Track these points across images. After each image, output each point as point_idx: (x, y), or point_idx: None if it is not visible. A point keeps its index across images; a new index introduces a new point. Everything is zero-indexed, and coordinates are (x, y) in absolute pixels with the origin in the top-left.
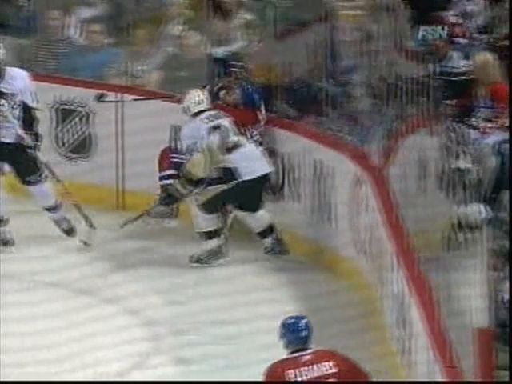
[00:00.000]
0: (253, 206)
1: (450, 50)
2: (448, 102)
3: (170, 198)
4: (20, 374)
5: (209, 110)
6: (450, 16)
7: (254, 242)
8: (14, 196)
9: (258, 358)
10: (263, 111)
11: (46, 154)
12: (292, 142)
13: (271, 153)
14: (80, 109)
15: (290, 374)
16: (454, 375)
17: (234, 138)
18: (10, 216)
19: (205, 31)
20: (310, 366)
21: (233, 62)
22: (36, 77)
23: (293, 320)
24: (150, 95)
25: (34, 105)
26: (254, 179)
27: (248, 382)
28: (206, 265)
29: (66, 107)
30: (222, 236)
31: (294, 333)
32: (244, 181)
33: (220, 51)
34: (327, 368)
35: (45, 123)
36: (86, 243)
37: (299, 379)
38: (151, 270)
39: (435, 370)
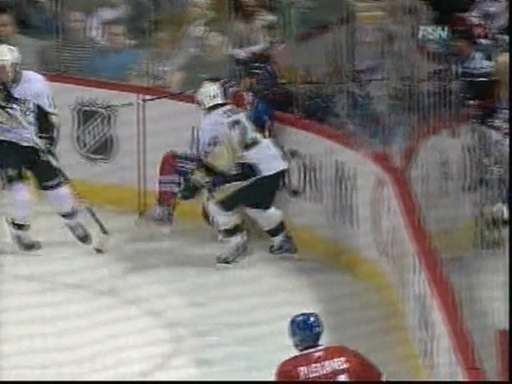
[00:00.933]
0: (266, 204)
1: (473, 51)
2: (470, 103)
3: (188, 191)
4: (42, 374)
5: (224, 104)
6: (472, 17)
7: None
8: (37, 197)
9: (280, 359)
10: (265, 132)
11: (67, 155)
12: (313, 144)
13: (293, 154)
14: (101, 110)
15: (302, 371)
16: (476, 377)
17: (252, 135)
18: (33, 218)
19: (226, 32)
20: (322, 363)
21: (254, 64)
22: (58, 78)
23: (304, 317)
24: (172, 96)
25: (50, 109)
26: (272, 176)
27: (257, 382)
28: (234, 263)
29: (88, 108)
30: (244, 232)
31: (307, 330)
32: (263, 177)
33: (242, 52)
34: (338, 364)
35: (66, 125)
36: (99, 251)
37: (311, 376)
38: (172, 272)
39: (457, 372)
